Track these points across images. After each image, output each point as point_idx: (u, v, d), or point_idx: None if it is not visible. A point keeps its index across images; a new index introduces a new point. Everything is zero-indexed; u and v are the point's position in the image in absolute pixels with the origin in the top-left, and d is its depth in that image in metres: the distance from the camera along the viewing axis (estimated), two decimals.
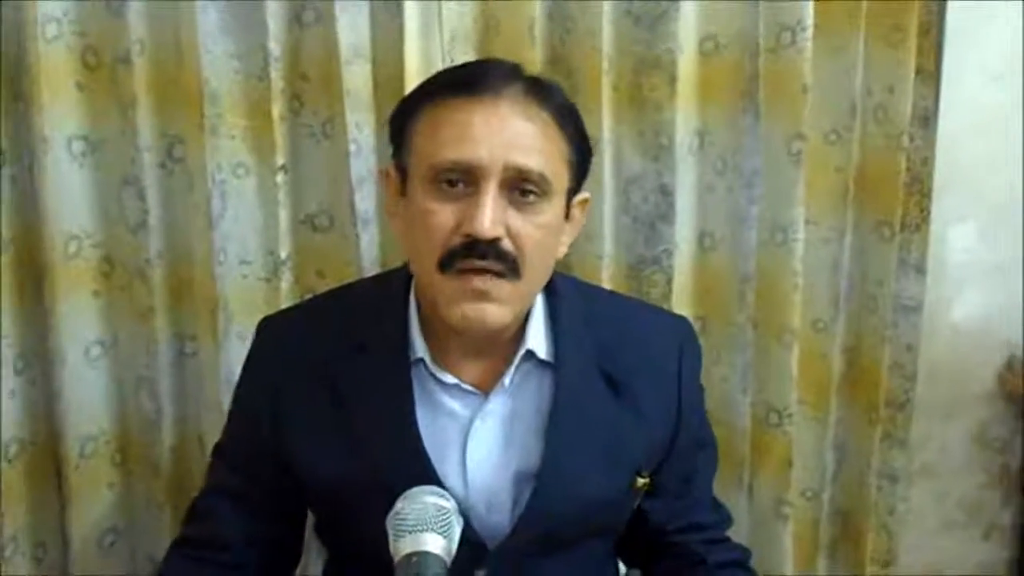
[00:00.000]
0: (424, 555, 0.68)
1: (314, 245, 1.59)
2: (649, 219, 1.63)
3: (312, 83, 1.53)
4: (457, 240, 0.92)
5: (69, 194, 1.50)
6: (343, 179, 1.53)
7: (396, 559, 0.70)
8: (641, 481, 1.05)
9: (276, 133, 1.51)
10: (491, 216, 0.91)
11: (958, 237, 1.80)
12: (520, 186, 0.94)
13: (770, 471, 1.74)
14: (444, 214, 0.93)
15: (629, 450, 1.04)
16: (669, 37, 1.54)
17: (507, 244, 0.93)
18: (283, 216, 1.55)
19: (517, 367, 1.02)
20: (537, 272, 0.98)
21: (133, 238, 1.55)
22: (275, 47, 1.48)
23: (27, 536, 1.58)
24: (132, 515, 1.64)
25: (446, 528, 0.72)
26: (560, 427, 1.00)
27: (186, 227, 1.56)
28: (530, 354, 1.03)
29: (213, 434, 1.44)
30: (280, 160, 1.52)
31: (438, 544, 0.70)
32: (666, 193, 1.61)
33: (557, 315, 1.05)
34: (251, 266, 1.56)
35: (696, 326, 1.68)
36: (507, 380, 1.02)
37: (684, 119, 1.59)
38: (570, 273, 1.59)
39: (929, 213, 1.72)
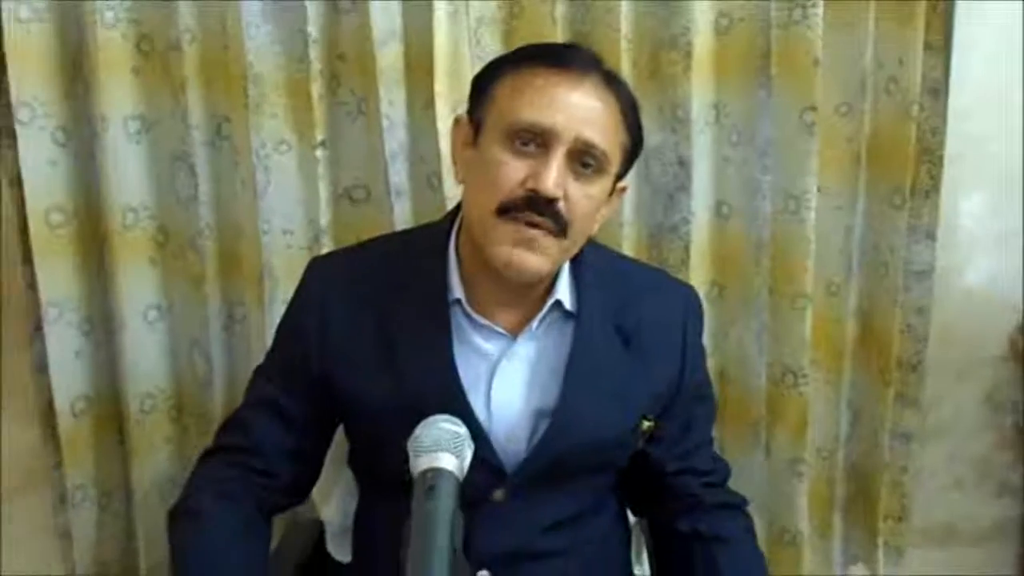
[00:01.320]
0: (438, 471, 0.79)
1: (352, 216, 1.69)
2: (668, 189, 1.71)
3: (348, 64, 1.63)
4: (521, 192, 1.03)
5: (126, 170, 1.62)
6: (378, 154, 1.63)
7: (414, 476, 0.80)
8: (647, 424, 1.15)
9: (315, 111, 1.61)
10: (556, 178, 1.01)
11: (969, 206, 1.86)
12: (583, 158, 1.04)
13: (786, 430, 1.82)
14: (514, 167, 1.03)
15: (636, 396, 1.15)
16: (684, 15, 1.61)
17: (562, 206, 1.03)
18: (322, 189, 1.65)
19: (544, 316, 1.12)
20: (579, 235, 1.09)
21: (185, 210, 1.67)
22: (314, 31, 1.57)
23: (93, 485, 1.72)
24: (188, 467, 1.73)
25: (459, 450, 0.82)
26: (577, 372, 1.11)
27: (233, 200, 1.67)
28: (557, 304, 1.13)
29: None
30: (319, 136, 1.63)
31: (451, 463, 0.80)
32: (684, 164, 1.68)
33: (580, 273, 1.16)
34: (294, 236, 1.67)
35: (713, 291, 1.79)
36: (535, 325, 1.13)
37: (700, 93, 1.66)
38: (594, 238, 1.70)
39: (939, 181, 1.78)
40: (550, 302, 1.12)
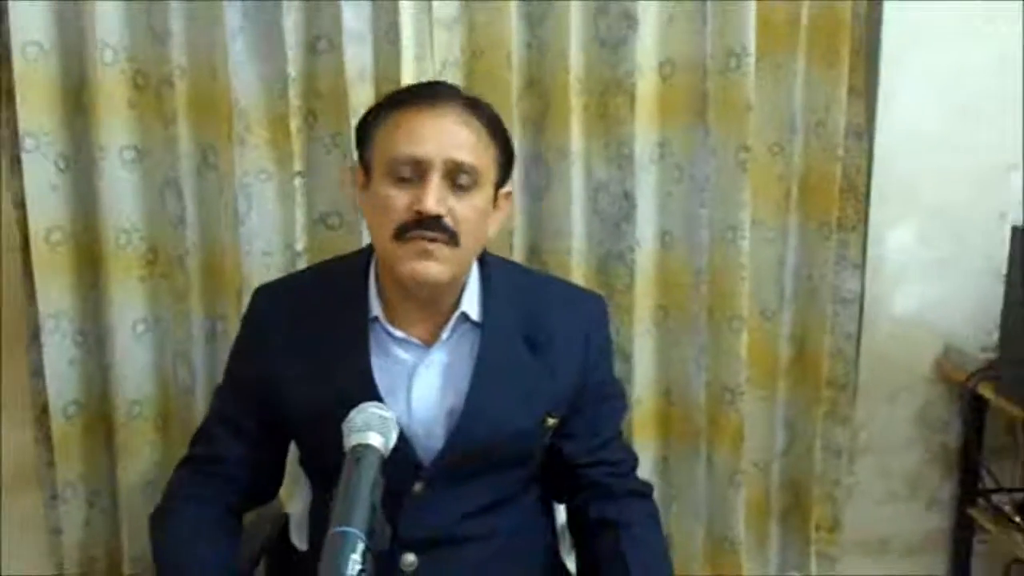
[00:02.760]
0: (366, 446, 0.93)
1: (326, 240, 1.84)
2: (614, 220, 1.87)
3: (324, 101, 1.79)
4: (409, 216, 1.18)
5: (121, 194, 1.77)
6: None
7: (345, 451, 0.95)
8: (551, 421, 1.30)
9: (294, 144, 1.76)
10: (435, 197, 1.16)
11: (896, 238, 2.00)
12: (457, 177, 1.19)
13: (724, 444, 1.97)
14: (400, 197, 1.19)
15: (540, 396, 1.29)
16: (630, 60, 1.78)
17: (448, 220, 1.18)
18: (299, 215, 1.81)
19: (454, 326, 1.27)
20: (470, 243, 1.22)
21: (173, 232, 1.82)
22: (293, 71, 1.73)
23: (83, 484, 1.85)
24: (170, 469, 1.87)
25: (385, 430, 0.96)
26: (483, 375, 1.25)
27: (217, 223, 1.82)
28: (464, 316, 1.28)
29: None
30: (297, 167, 1.78)
31: (378, 440, 0.94)
32: (629, 197, 1.84)
33: (489, 287, 1.30)
34: (272, 257, 1.81)
35: (658, 314, 1.95)
36: (444, 335, 1.27)
37: (644, 132, 1.83)
38: (544, 265, 1.85)
39: (865, 215, 1.95)
40: (456, 314, 1.27)
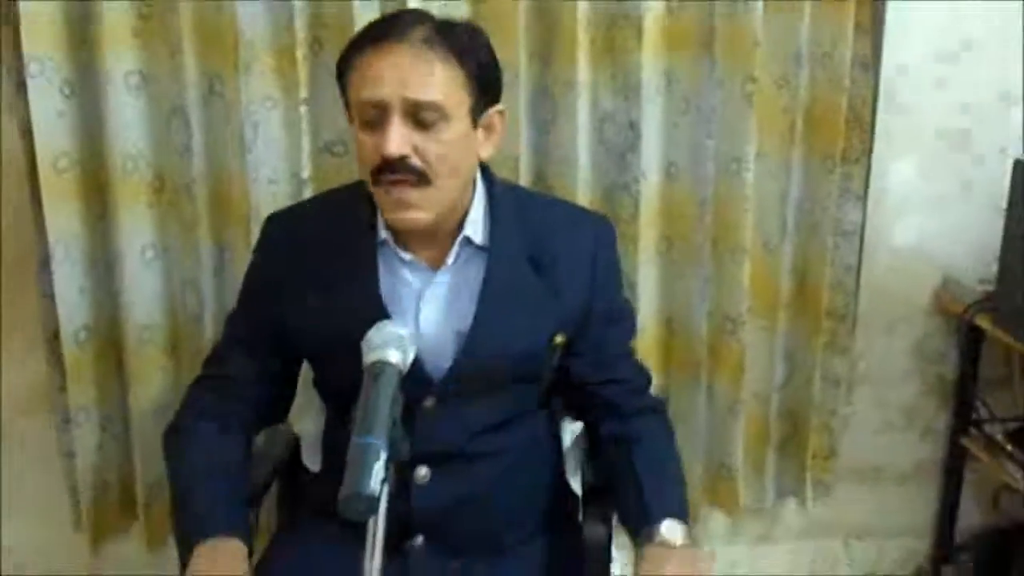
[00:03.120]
0: (384, 362, 0.95)
1: (331, 167, 1.85)
2: (620, 151, 1.88)
3: (330, 29, 1.78)
4: (377, 160, 1.18)
5: (127, 121, 1.77)
6: None
7: (364, 367, 0.97)
8: (558, 339, 1.32)
9: (300, 72, 1.77)
10: (396, 140, 1.16)
11: (898, 171, 2.02)
12: (418, 115, 1.17)
13: (725, 373, 2.01)
14: (368, 142, 1.20)
15: (546, 316, 1.31)
16: None
17: (414, 160, 1.18)
18: (305, 143, 1.82)
19: (459, 250, 1.29)
20: (447, 178, 1.21)
21: (180, 160, 1.83)
22: (299, 4, 1.73)
23: (95, 408, 1.89)
24: (181, 393, 1.91)
25: (402, 347, 0.98)
26: (489, 297, 1.28)
27: (224, 151, 1.82)
28: (468, 240, 1.30)
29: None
30: (303, 94, 1.79)
31: (396, 356, 0.97)
32: (634, 127, 1.85)
33: (494, 211, 1.32)
34: (278, 185, 1.83)
35: (662, 245, 1.97)
36: (450, 260, 1.29)
37: (651, 64, 1.82)
38: (550, 193, 1.86)
39: (869, 148, 1.95)
40: (459, 239, 1.29)
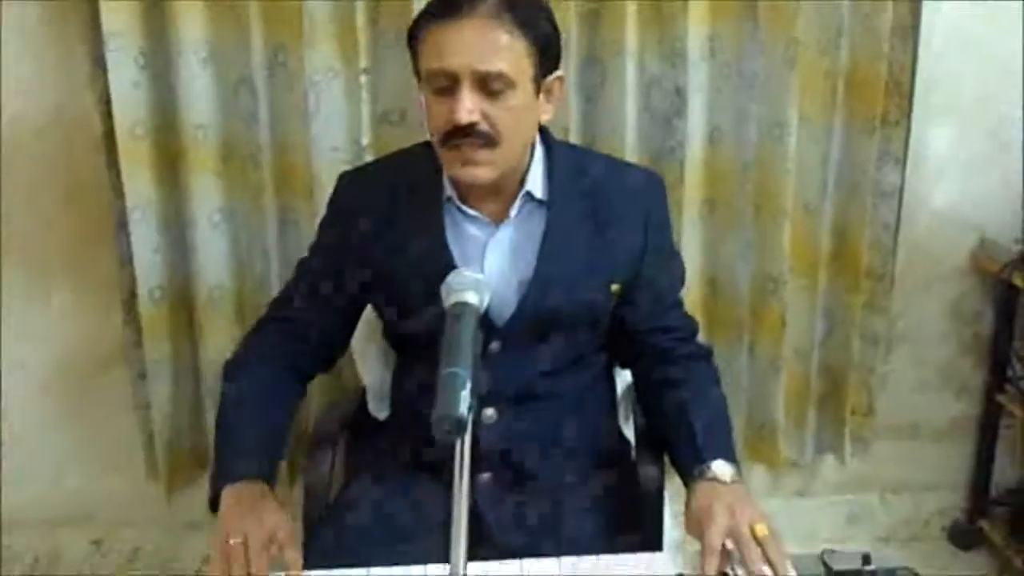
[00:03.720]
0: (465, 304, 1.04)
1: (389, 135, 1.94)
2: (666, 116, 1.95)
3: (389, 1, 1.87)
4: (448, 126, 1.26)
5: (196, 92, 1.87)
6: (414, 81, 1.87)
7: (446, 310, 1.06)
8: (615, 287, 1.41)
9: (360, 42, 1.85)
10: (466, 108, 1.24)
11: (937, 135, 2.07)
12: (488, 84, 1.25)
13: (767, 332, 2.08)
14: (439, 108, 1.27)
15: (603, 265, 1.39)
16: None
17: (483, 125, 1.26)
18: (365, 111, 1.91)
19: (520, 205, 1.38)
20: (513, 140, 1.30)
21: (246, 128, 1.93)
22: None
23: (168, 362, 2.00)
24: None
25: (479, 290, 1.06)
26: (550, 248, 1.36)
27: (288, 120, 1.92)
28: (530, 195, 1.38)
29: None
30: (363, 65, 1.87)
31: (474, 298, 1.05)
32: (680, 93, 1.92)
33: (552, 167, 1.40)
34: (339, 152, 1.92)
35: (705, 208, 2.04)
36: (512, 213, 1.38)
37: (696, 30, 1.89)
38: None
39: (908, 112, 2.01)
40: (521, 194, 1.38)
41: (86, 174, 1.98)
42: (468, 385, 0.93)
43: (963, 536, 2.32)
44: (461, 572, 0.95)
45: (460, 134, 1.26)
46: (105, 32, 1.80)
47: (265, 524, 1.19)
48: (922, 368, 2.26)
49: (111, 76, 1.81)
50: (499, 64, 1.25)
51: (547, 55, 1.32)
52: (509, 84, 1.26)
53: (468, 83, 1.25)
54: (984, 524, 2.28)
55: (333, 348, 1.53)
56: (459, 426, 0.90)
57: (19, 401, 2.13)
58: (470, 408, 0.92)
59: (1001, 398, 2.19)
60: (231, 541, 1.16)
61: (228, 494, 1.26)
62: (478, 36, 1.24)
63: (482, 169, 1.29)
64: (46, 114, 1.96)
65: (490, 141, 1.27)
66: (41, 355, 2.11)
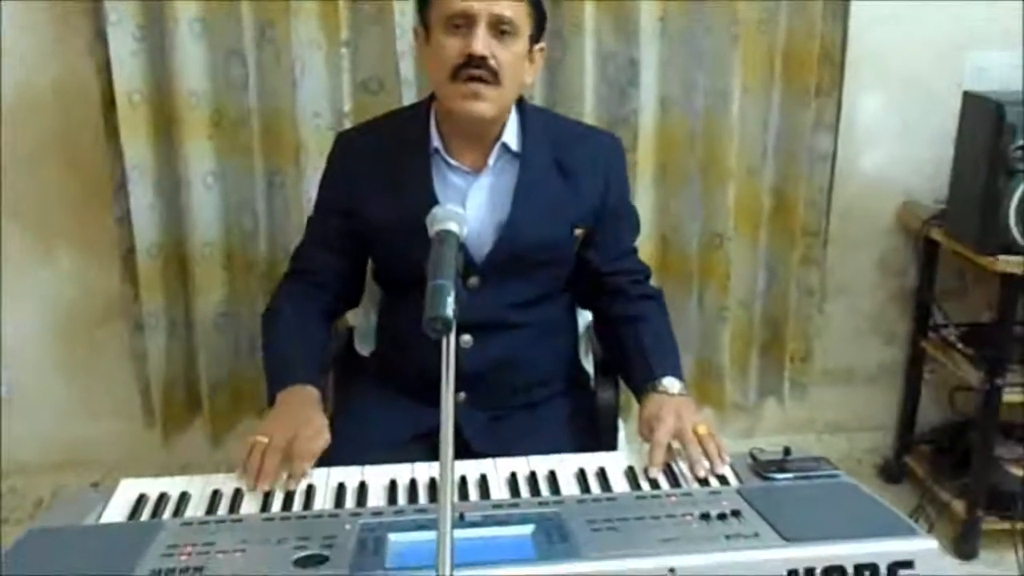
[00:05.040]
0: (447, 231, 1.21)
1: (368, 103, 2.12)
2: (620, 86, 2.15)
3: None
4: (461, 59, 1.44)
5: (190, 61, 2.03)
6: (391, 53, 2.06)
7: (431, 235, 1.24)
8: (577, 231, 1.59)
9: (341, 17, 2.02)
10: (482, 41, 1.43)
11: (866, 104, 2.29)
12: (499, 27, 1.44)
13: (713, 283, 2.30)
14: (453, 44, 1.45)
15: (568, 212, 1.58)
16: None
17: (492, 61, 1.45)
18: (345, 80, 2.08)
19: (497, 155, 1.56)
20: (510, 84, 1.48)
21: (237, 96, 2.09)
22: None
23: (163, 314, 2.17)
24: (236, 303, 2.22)
25: (460, 220, 1.24)
26: (522, 195, 1.54)
27: (275, 88, 2.09)
28: (505, 147, 1.56)
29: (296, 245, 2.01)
30: (343, 37, 2.04)
31: (455, 227, 1.23)
32: (634, 66, 2.12)
33: (525, 124, 1.58)
34: (322, 118, 2.09)
35: (658, 171, 2.24)
36: (491, 162, 1.56)
37: (648, 9, 2.09)
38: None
39: (840, 83, 2.23)
40: (498, 146, 1.55)
41: (85, 140, 2.13)
42: (452, 293, 1.11)
43: (891, 471, 2.56)
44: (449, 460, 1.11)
45: (473, 65, 1.44)
46: (105, 5, 1.95)
47: (292, 433, 1.34)
48: (854, 317, 2.48)
49: (111, 47, 1.97)
50: (511, 11, 1.45)
51: (540, 23, 1.52)
52: (515, 31, 1.46)
53: (484, 22, 1.43)
54: (910, 460, 2.51)
55: (351, 289, 1.71)
56: (447, 325, 1.08)
57: (23, 353, 2.28)
58: (454, 312, 1.10)
59: (925, 344, 2.41)
60: (256, 438, 1.33)
61: (279, 398, 1.45)
62: None
63: (484, 104, 1.46)
64: (48, 83, 2.11)
65: (495, 78, 1.45)
66: (44, 310, 2.26)
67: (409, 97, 2.06)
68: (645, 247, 2.22)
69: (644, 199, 2.22)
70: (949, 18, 2.24)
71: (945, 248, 2.26)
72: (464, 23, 1.44)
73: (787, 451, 1.36)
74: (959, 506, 2.25)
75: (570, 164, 1.58)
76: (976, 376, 2.18)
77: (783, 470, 1.32)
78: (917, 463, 2.48)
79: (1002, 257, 2.03)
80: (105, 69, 2.01)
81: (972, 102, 2.09)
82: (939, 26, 2.25)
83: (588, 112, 2.13)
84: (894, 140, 2.33)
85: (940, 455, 2.45)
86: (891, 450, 2.57)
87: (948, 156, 2.19)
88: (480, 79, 1.44)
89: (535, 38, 1.52)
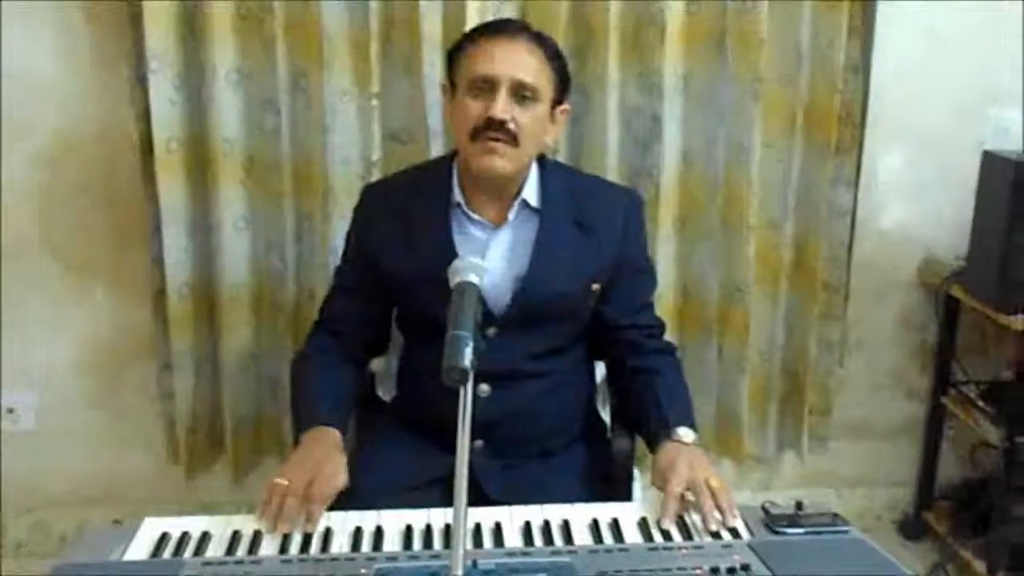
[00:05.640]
0: (468, 283, 1.25)
1: (397, 152, 2.17)
2: (644, 141, 2.19)
3: (398, 28, 2.10)
4: (481, 121, 1.50)
5: (226, 110, 2.10)
6: (420, 104, 2.12)
7: (452, 287, 1.27)
8: (595, 287, 1.63)
9: (372, 69, 2.09)
10: (502, 106, 1.49)
11: (886, 161, 2.32)
12: (520, 92, 1.50)
13: (733, 335, 2.31)
14: (475, 106, 1.51)
15: (586, 267, 1.61)
16: None
17: (512, 125, 1.50)
18: (375, 130, 2.14)
19: (517, 211, 1.60)
20: (529, 145, 1.53)
21: (269, 144, 2.15)
22: (375, 4, 2.05)
23: (191, 353, 2.21)
24: (262, 344, 2.27)
25: (480, 273, 1.27)
26: (541, 250, 1.58)
27: (306, 137, 2.15)
28: (525, 203, 1.60)
29: (322, 288, 2.06)
30: (375, 89, 2.11)
31: (475, 278, 1.26)
32: (657, 121, 2.16)
33: (545, 180, 1.62)
34: (351, 166, 2.15)
35: (678, 223, 2.27)
36: (510, 218, 1.60)
37: (671, 66, 2.14)
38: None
39: (860, 141, 2.26)
40: (519, 200, 1.59)
41: (123, 183, 2.20)
42: (470, 344, 1.14)
43: (911, 528, 2.54)
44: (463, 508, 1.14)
45: (492, 128, 1.49)
46: (148, 54, 2.02)
47: (311, 475, 1.37)
48: (874, 372, 2.49)
49: (151, 94, 2.04)
50: (532, 77, 1.51)
51: (562, 87, 1.58)
52: (536, 96, 1.52)
53: (506, 87, 1.49)
54: (930, 517, 2.50)
55: (377, 336, 1.76)
56: (464, 375, 1.11)
57: (54, 388, 2.33)
58: (472, 363, 1.13)
59: (945, 400, 2.41)
60: (276, 480, 1.37)
61: (303, 439, 1.50)
62: (519, 53, 1.51)
63: (502, 161, 1.52)
64: (87, 128, 2.19)
65: (513, 139, 1.51)
66: (76, 345, 2.32)
67: (436, 148, 2.12)
68: (666, 297, 2.27)
69: (665, 250, 2.25)
70: (970, 75, 2.27)
71: (965, 305, 2.27)
72: (486, 87, 1.50)
73: (799, 505, 1.37)
74: (980, 566, 2.23)
75: (589, 219, 1.62)
76: (996, 434, 2.18)
77: (795, 524, 1.33)
78: (937, 520, 2.47)
79: (1021, 316, 2.03)
80: (144, 116, 2.08)
81: (992, 161, 2.11)
82: (960, 83, 2.28)
83: (611, 165, 2.18)
84: (914, 196, 2.35)
85: (960, 512, 2.44)
86: (911, 506, 2.56)
87: (969, 213, 2.20)
88: (499, 139, 1.49)
89: (558, 100, 1.57)
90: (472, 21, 2.03)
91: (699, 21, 2.14)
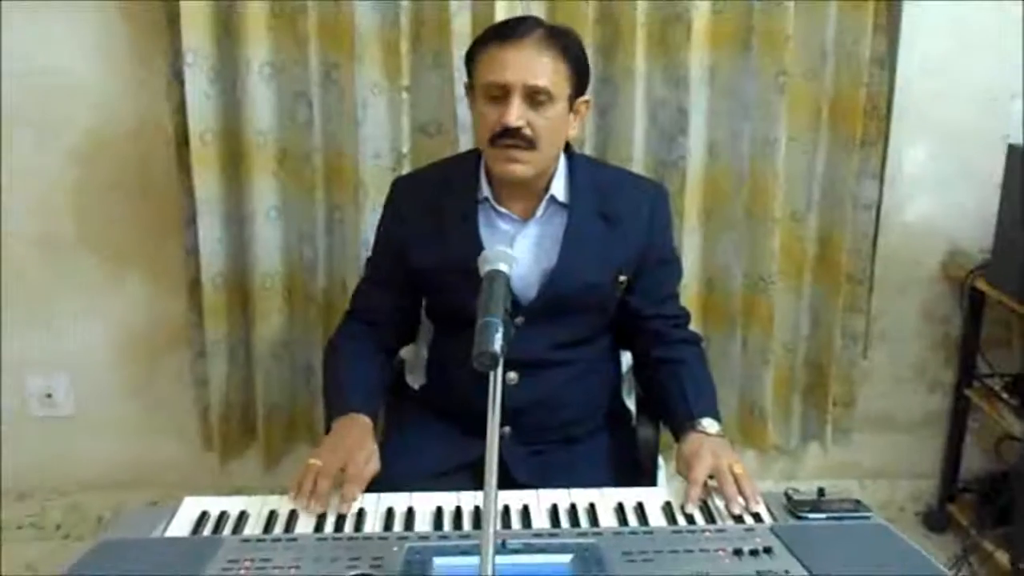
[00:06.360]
0: (498, 271, 1.28)
1: (426, 145, 2.21)
2: (670, 133, 2.22)
3: (428, 27, 2.14)
4: (497, 128, 1.52)
5: (260, 103, 2.14)
6: (449, 97, 2.15)
7: (482, 276, 1.31)
8: (621, 279, 1.66)
9: (402, 63, 2.12)
10: (516, 113, 1.50)
11: (911, 155, 2.33)
12: (534, 96, 1.51)
13: (757, 327, 2.34)
14: (490, 114, 1.53)
15: (613, 259, 1.64)
16: None
17: (527, 130, 1.52)
18: (405, 123, 2.18)
19: (545, 206, 1.63)
20: (547, 145, 1.55)
21: (301, 136, 2.19)
22: (405, 4, 2.09)
23: (225, 342, 2.26)
24: (294, 333, 2.31)
25: (509, 262, 1.31)
26: (569, 243, 1.61)
27: (338, 130, 2.19)
28: (553, 198, 1.63)
29: (353, 278, 2.11)
30: (404, 82, 2.14)
31: (505, 267, 1.29)
32: (683, 113, 2.18)
33: (573, 175, 1.65)
34: (381, 159, 2.19)
35: (703, 214, 2.29)
36: (538, 212, 1.63)
37: (697, 59, 2.16)
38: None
39: (885, 134, 2.27)
40: (547, 197, 1.63)
41: (158, 174, 2.25)
42: (500, 330, 1.17)
43: (934, 519, 2.55)
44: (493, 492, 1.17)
45: (508, 135, 1.52)
46: (184, 49, 2.07)
47: (344, 460, 1.41)
48: (898, 364, 2.50)
49: (187, 88, 2.09)
50: (544, 81, 1.51)
51: (580, 80, 1.59)
52: (550, 98, 1.53)
53: (519, 94, 1.51)
54: (953, 509, 2.51)
55: (407, 325, 1.80)
56: (494, 359, 1.14)
57: (92, 375, 2.39)
58: (502, 348, 1.17)
59: (969, 393, 2.42)
60: (311, 461, 1.41)
61: (335, 426, 1.53)
62: (530, 57, 1.51)
63: (521, 166, 1.54)
64: (123, 125, 2.24)
65: (530, 144, 1.53)
66: (112, 334, 2.37)
67: (465, 141, 2.15)
68: (690, 289, 2.29)
69: (690, 242, 2.27)
70: (995, 70, 2.27)
71: (990, 298, 2.28)
72: (500, 93, 1.52)
73: (821, 492, 1.40)
74: (1003, 557, 2.24)
75: (615, 212, 1.64)
76: (1020, 427, 2.18)
77: (817, 510, 1.36)
78: (961, 512, 2.48)
79: None
80: (180, 110, 2.13)
81: (1016, 155, 2.12)
82: (985, 77, 2.28)
83: (638, 157, 2.20)
84: (939, 189, 2.36)
85: (984, 504, 2.44)
86: (935, 498, 2.57)
87: (993, 206, 2.21)
88: (516, 145, 1.52)
89: (577, 94, 1.59)
90: (501, 17, 2.05)
91: (725, 20, 2.16)
